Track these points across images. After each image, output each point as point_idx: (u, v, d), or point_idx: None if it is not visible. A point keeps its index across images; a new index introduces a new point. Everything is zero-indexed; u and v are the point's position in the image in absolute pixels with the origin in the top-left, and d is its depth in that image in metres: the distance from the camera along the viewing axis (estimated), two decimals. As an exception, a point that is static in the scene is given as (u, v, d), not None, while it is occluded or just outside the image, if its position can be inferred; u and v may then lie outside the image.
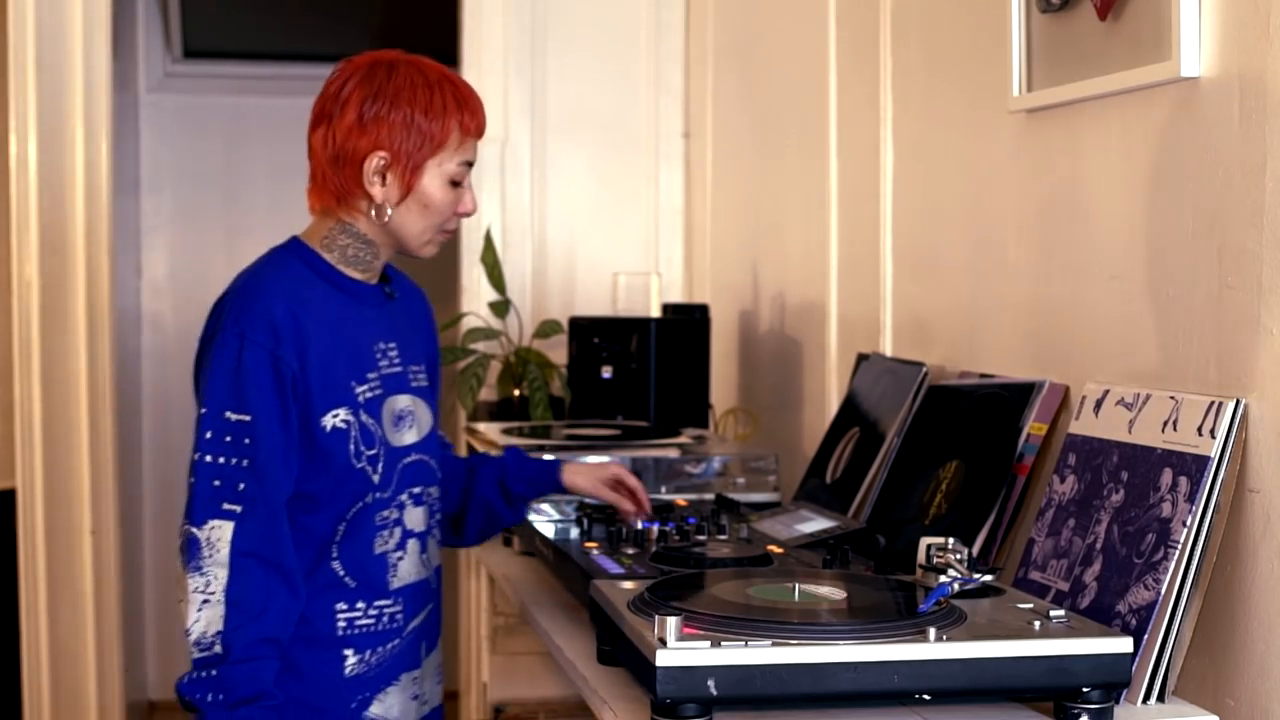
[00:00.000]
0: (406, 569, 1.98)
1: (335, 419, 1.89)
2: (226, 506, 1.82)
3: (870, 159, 2.65)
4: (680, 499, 2.55)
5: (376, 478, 1.92)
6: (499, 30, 3.78)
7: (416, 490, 1.99)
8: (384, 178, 1.92)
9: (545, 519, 2.37)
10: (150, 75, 5.07)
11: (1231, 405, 1.63)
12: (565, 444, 2.68)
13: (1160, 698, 1.63)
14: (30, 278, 3.60)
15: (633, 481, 2.27)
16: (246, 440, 1.83)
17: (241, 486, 1.82)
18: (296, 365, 1.86)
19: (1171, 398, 1.72)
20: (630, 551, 2.08)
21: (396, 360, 2.00)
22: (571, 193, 3.86)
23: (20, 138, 3.59)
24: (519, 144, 3.80)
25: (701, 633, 1.49)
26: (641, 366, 3.12)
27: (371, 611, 1.95)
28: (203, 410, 1.84)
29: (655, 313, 3.29)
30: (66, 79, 3.60)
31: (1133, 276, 1.86)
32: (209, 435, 1.83)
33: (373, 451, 1.92)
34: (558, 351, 3.50)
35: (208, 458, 1.83)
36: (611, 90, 3.87)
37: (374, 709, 1.96)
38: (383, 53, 1.96)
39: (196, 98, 5.14)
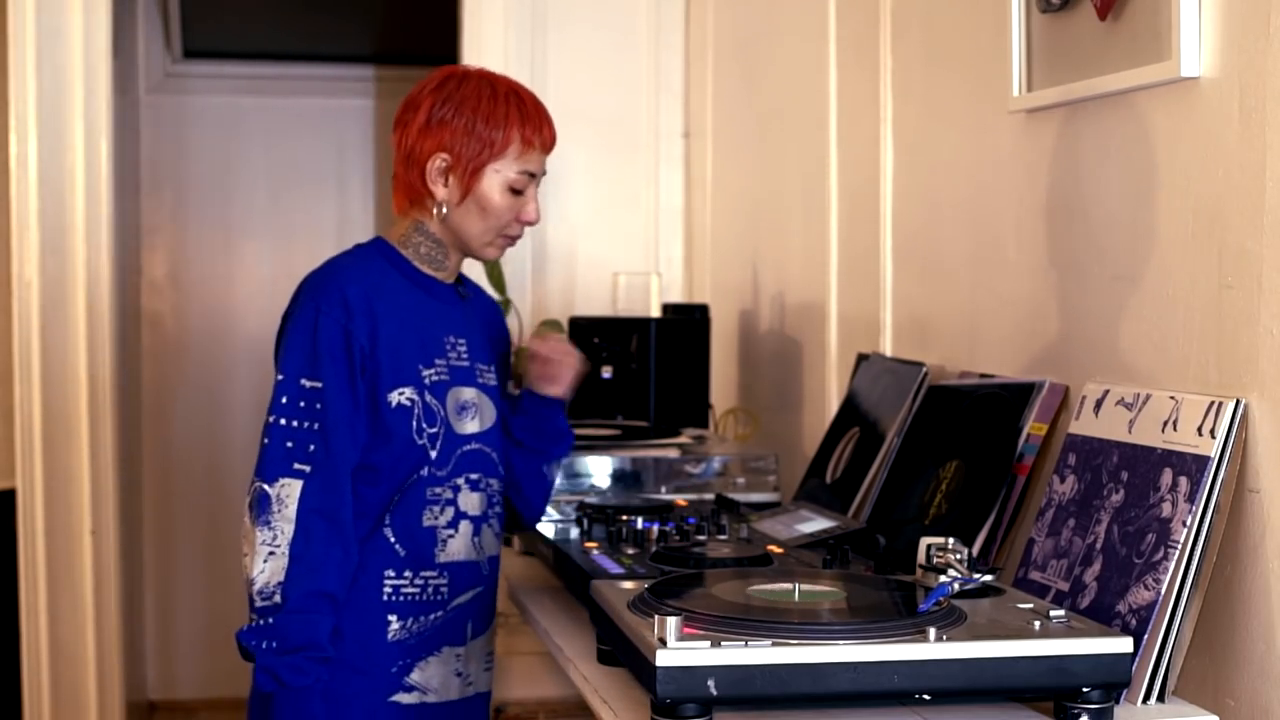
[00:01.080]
0: (456, 546, 2.08)
1: (401, 396, 2.02)
2: (297, 466, 1.95)
3: (870, 159, 2.65)
4: (680, 499, 2.55)
5: (434, 454, 2.05)
6: (499, 30, 3.78)
7: (474, 477, 2.10)
8: (446, 179, 2.07)
9: (545, 519, 2.37)
10: (150, 75, 5.07)
11: (1231, 405, 1.63)
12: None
13: (1160, 698, 1.63)
14: (30, 278, 3.60)
15: (542, 348, 2.26)
16: (318, 405, 1.97)
17: (312, 448, 1.96)
18: (366, 342, 2.00)
19: (1171, 398, 1.72)
20: (630, 551, 2.08)
21: (465, 355, 2.13)
22: (571, 193, 3.86)
23: (20, 138, 3.59)
24: (519, 144, 3.80)
25: (701, 633, 1.49)
26: (641, 366, 3.12)
27: (417, 581, 2.05)
28: (280, 376, 1.98)
29: (655, 313, 3.29)
30: (66, 79, 3.60)
31: (1133, 276, 1.86)
32: (284, 400, 1.98)
33: (434, 430, 2.05)
34: (558, 351, 3.49)
35: (282, 420, 1.97)
36: (611, 90, 3.87)
37: (414, 676, 2.06)
38: (462, 66, 2.11)
39: (196, 98, 5.14)
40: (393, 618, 2.05)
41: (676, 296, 3.83)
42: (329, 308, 2.00)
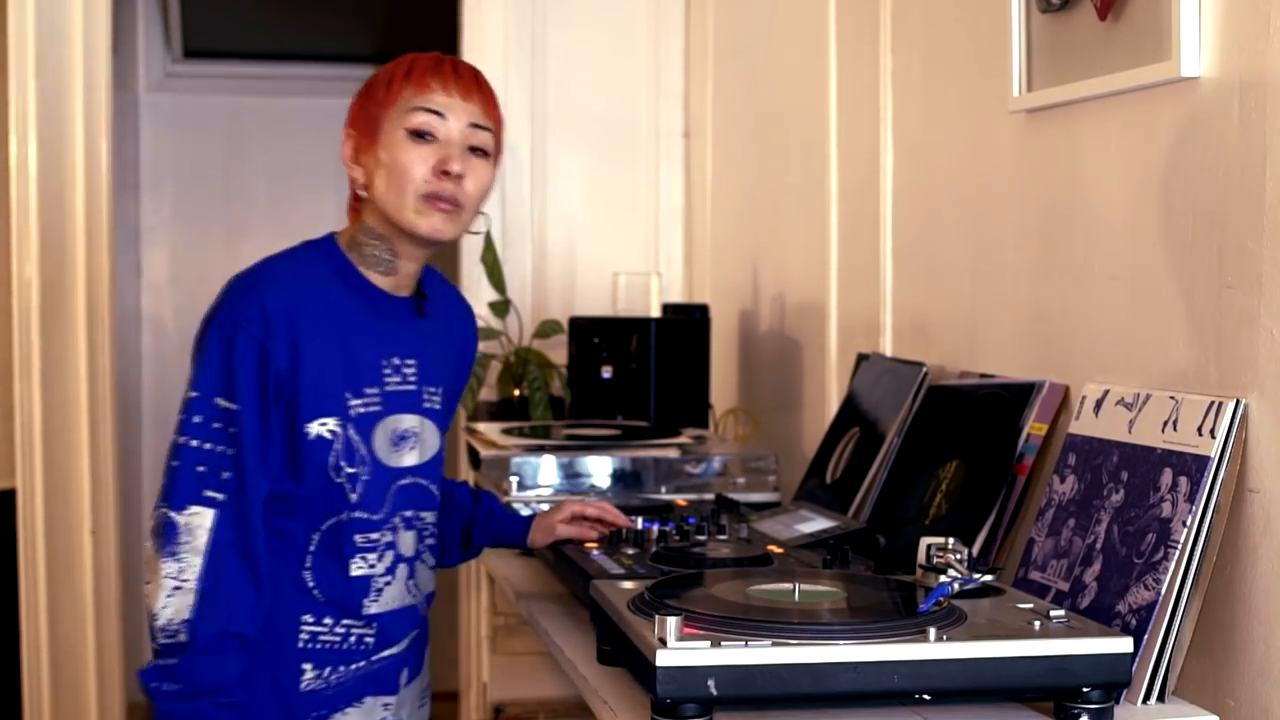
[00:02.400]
0: (391, 595, 1.91)
1: (322, 428, 1.83)
2: (209, 494, 1.77)
3: (870, 159, 2.65)
4: (680, 499, 2.55)
5: (354, 496, 1.85)
6: (499, 31, 3.78)
7: (409, 514, 1.92)
8: (357, 156, 1.89)
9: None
10: (150, 75, 5.07)
11: (1231, 405, 1.63)
12: (565, 444, 2.68)
13: (1160, 698, 1.63)
14: (30, 278, 3.60)
15: (591, 511, 2.17)
16: (233, 429, 1.78)
17: (225, 475, 1.78)
18: (285, 364, 1.80)
19: (1171, 398, 1.72)
20: (630, 551, 2.08)
21: (412, 378, 1.92)
22: (571, 193, 3.86)
23: (20, 138, 3.59)
24: (519, 144, 3.80)
25: (701, 633, 1.49)
26: (641, 366, 3.12)
27: (339, 629, 1.87)
28: (194, 393, 1.80)
29: (655, 313, 3.29)
30: (66, 79, 3.60)
31: (1133, 276, 1.86)
32: (197, 419, 1.79)
33: (354, 470, 1.85)
34: (558, 351, 3.50)
35: (194, 442, 1.78)
36: (611, 90, 3.87)
37: None
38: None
39: (196, 98, 5.14)
40: (307, 666, 1.85)
41: (676, 296, 3.83)
42: (246, 322, 1.79)
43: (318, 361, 1.82)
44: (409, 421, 1.91)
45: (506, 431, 2.82)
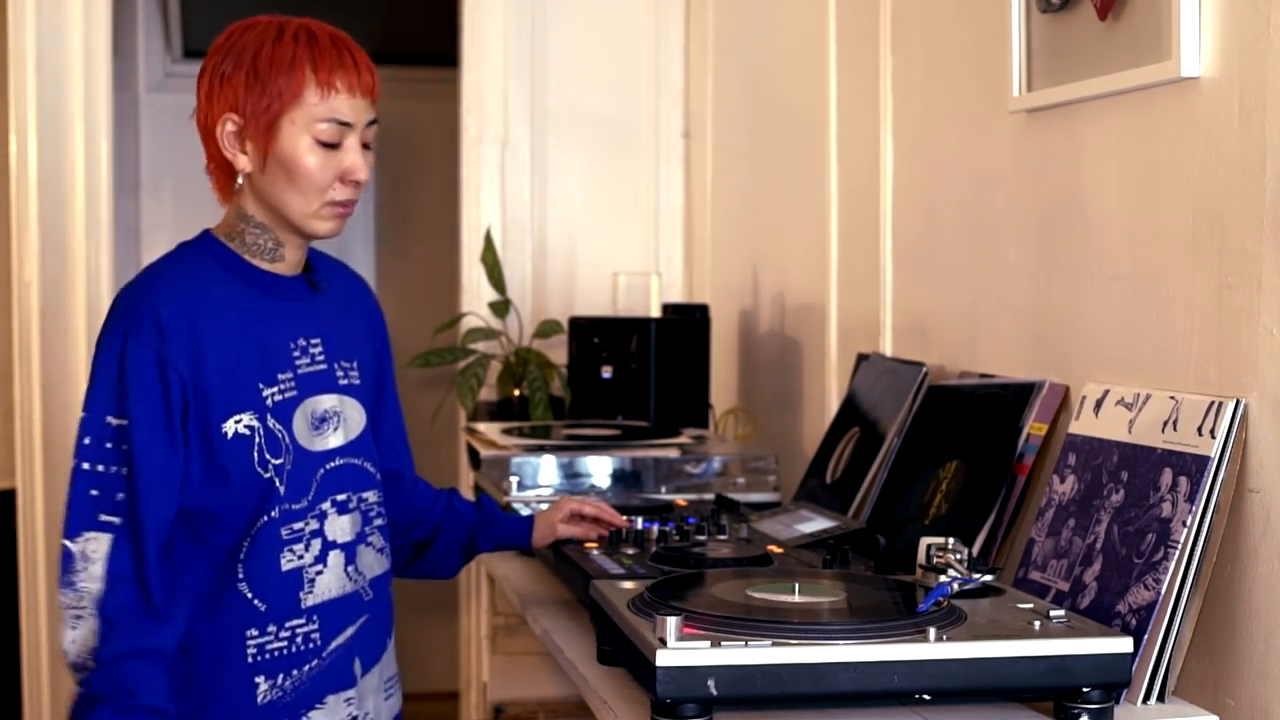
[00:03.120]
0: (326, 584, 1.81)
1: (238, 424, 1.75)
2: (104, 518, 1.69)
3: (870, 159, 2.65)
4: (680, 499, 2.55)
5: (283, 489, 1.77)
6: (499, 30, 3.78)
7: (341, 498, 1.83)
8: (243, 144, 1.78)
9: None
10: (150, 75, 5.07)
11: (1231, 405, 1.63)
12: (565, 444, 2.68)
13: (1160, 698, 1.63)
14: (30, 278, 3.59)
15: (589, 509, 2.16)
16: (125, 447, 1.69)
17: (120, 496, 1.69)
18: (188, 369, 1.72)
19: (1171, 398, 1.72)
20: (630, 551, 2.08)
21: (320, 357, 1.85)
22: (571, 193, 3.86)
23: (20, 138, 3.59)
24: (519, 144, 3.80)
25: (701, 633, 1.49)
26: (641, 366, 3.12)
27: (283, 634, 1.78)
28: (83, 414, 1.72)
29: (655, 313, 3.29)
30: (66, 79, 3.60)
31: (1133, 276, 1.86)
32: (88, 441, 1.71)
33: (279, 461, 1.77)
34: (558, 351, 3.50)
35: (85, 465, 1.70)
36: (611, 90, 3.87)
37: None
38: (254, 17, 1.82)
39: (196, 98, 5.14)
40: (260, 679, 1.77)
41: (676, 296, 3.83)
42: (138, 332, 1.71)
43: (224, 358, 1.75)
44: (328, 402, 1.84)
45: (506, 431, 2.82)
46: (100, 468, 1.70)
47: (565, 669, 1.98)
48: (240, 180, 1.80)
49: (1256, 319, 1.62)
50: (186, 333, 1.73)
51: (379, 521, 1.90)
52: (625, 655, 1.61)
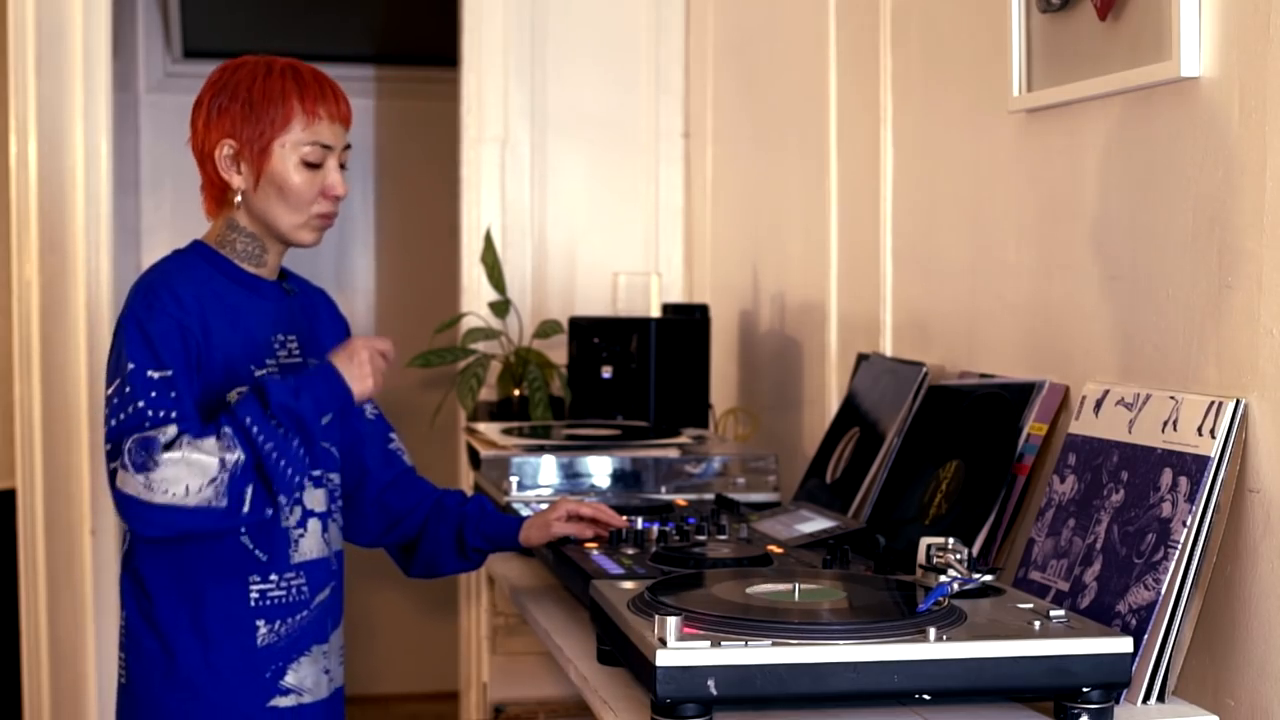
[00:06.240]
0: (308, 545, 2.07)
1: (238, 395, 1.99)
2: (160, 418, 1.90)
3: (870, 159, 2.65)
4: (680, 499, 2.55)
5: None
6: (499, 31, 3.78)
7: (316, 473, 2.07)
8: (238, 165, 2.03)
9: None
10: (150, 75, 5.07)
11: (1231, 405, 1.63)
12: (565, 444, 2.68)
13: (1160, 698, 1.63)
14: (30, 278, 3.60)
15: (586, 510, 2.22)
16: (172, 394, 1.91)
17: (174, 414, 1.91)
18: (202, 340, 1.97)
19: (1171, 398, 1.72)
20: (630, 551, 2.08)
21: (296, 351, 2.11)
22: (571, 193, 3.86)
23: (20, 138, 3.59)
24: (519, 144, 3.80)
25: (701, 633, 1.49)
26: (641, 366, 3.12)
27: (282, 584, 2.04)
28: (129, 366, 1.91)
29: (655, 313, 3.29)
30: (66, 79, 3.60)
31: (1133, 276, 1.86)
32: (129, 389, 1.91)
33: None
34: (558, 351, 3.50)
35: (137, 404, 1.90)
36: (611, 90, 3.87)
37: (289, 678, 2.05)
38: (242, 57, 2.08)
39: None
40: (260, 622, 2.02)
41: (676, 296, 3.83)
42: (161, 305, 1.95)
43: (224, 342, 2.00)
44: None
45: (506, 431, 2.82)
46: (150, 411, 1.90)
47: (565, 669, 1.98)
48: (239, 198, 2.04)
49: (1256, 319, 1.62)
50: (197, 313, 1.98)
51: (339, 502, 2.16)
52: (625, 655, 1.61)
